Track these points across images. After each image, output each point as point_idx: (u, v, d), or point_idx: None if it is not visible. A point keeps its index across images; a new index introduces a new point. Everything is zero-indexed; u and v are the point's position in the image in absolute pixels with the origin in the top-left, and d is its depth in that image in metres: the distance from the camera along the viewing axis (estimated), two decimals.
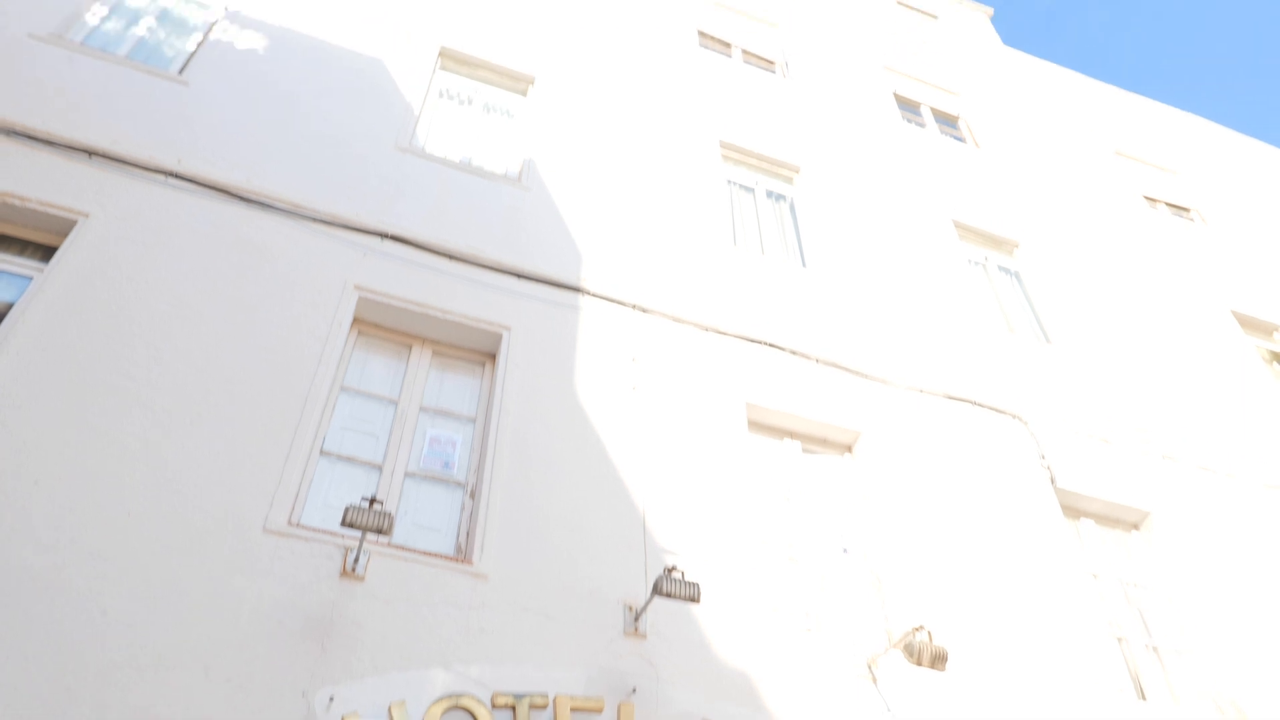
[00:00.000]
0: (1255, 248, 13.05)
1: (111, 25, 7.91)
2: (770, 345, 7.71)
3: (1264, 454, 9.37)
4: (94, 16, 7.85)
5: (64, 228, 6.15)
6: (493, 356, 6.81)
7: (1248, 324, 11.57)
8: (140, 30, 7.97)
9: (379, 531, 4.69)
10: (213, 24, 8.22)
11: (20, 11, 7.32)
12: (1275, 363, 11.33)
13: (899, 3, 15.29)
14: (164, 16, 8.22)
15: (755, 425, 7.27)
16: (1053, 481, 7.84)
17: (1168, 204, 13.49)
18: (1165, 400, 9.44)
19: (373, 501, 4.77)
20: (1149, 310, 10.70)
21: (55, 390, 5.24)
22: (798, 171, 10.07)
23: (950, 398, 8.11)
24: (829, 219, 9.49)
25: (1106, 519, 8.10)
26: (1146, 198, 13.32)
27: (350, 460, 5.91)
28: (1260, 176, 15.05)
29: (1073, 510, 7.96)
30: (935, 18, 15.31)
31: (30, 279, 5.90)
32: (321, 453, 5.82)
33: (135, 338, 5.67)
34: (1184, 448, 8.91)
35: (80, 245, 5.98)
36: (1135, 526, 8.16)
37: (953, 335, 8.84)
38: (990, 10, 16.23)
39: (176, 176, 6.64)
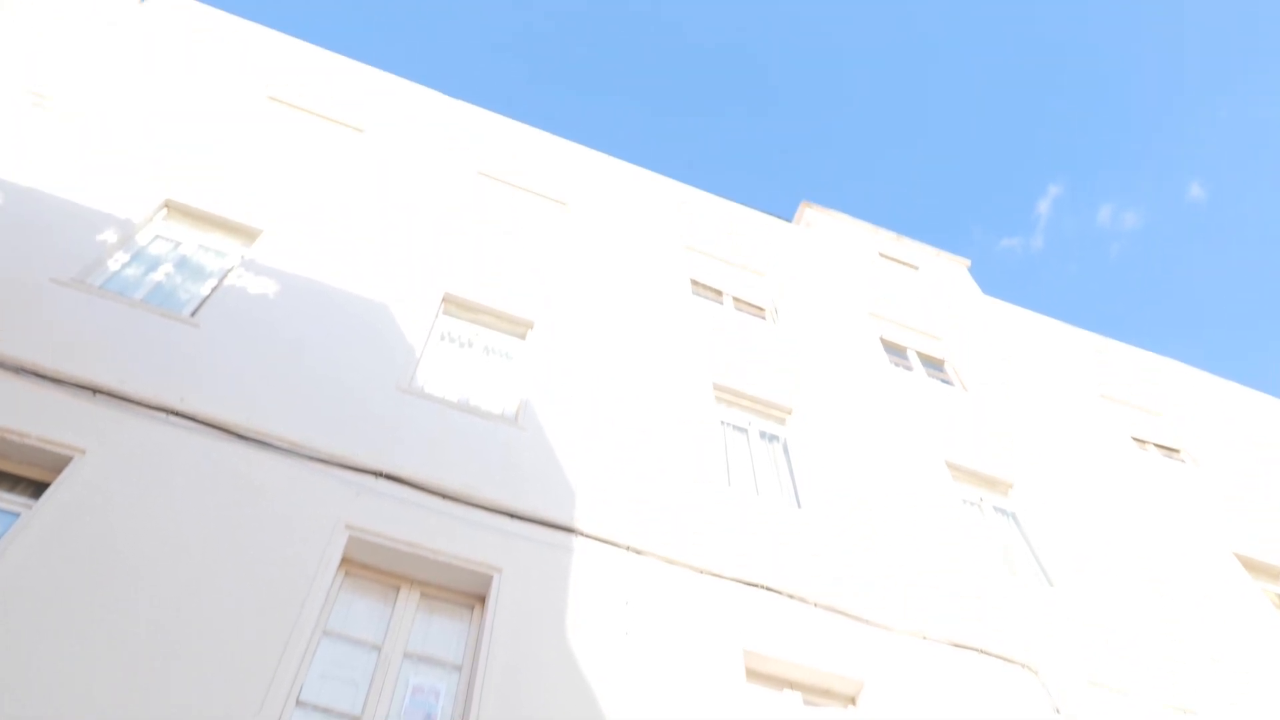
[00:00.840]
0: (1251, 490, 13.06)
1: (131, 271, 8.28)
2: (767, 589, 7.53)
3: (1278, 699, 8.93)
4: (115, 263, 8.24)
5: (59, 464, 6.15)
6: (482, 599, 6.63)
7: (1253, 567, 11.38)
8: (158, 276, 8.34)
9: None
10: (228, 270, 8.63)
11: (46, 257, 7.69)
12: None
13: (881, 254, 16.18)
14: (182, 263, 8.63)
15: (753, 674, 6.96)
16: None
17: (1157, 445, 13.65)
18: (1176, 647, 9.11)
19: None
20: (1151, 552, 10.55)
21: (32, 625, 5.04)
22: (790, 413, 10.24)
23: (955, 645, 7.83)
24: (823, 460, 9.55)
25: None
26: (1135, 439, 13.49)
27: (327, 711, 5.60)
28: (1242, 419, 15.33)
29: None
30: (916, 268, 16.15)
31: (17, 515, 5.83)
32: (298, 703, 5.53)
33: (118, 572, 5.52)
34: (1199, 695, 8.50)
35: (72, 481, 5.96)
36: None
37: (953, 578, 8.66)
38: (967, 261, 17.13)
39: (177, 414, 6.73)
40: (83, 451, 6.19)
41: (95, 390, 6.62)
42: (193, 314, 7.90)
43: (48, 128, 9.27)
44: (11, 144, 8.83)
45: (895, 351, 13.11)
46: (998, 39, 58.28)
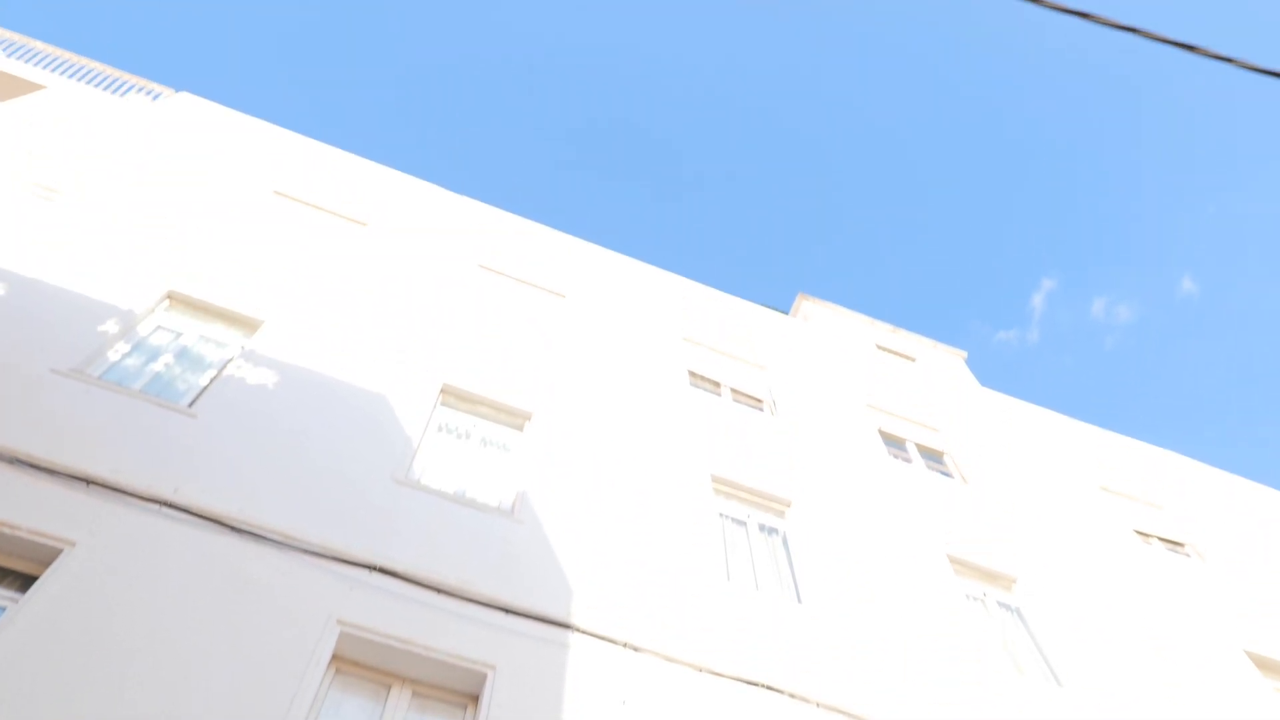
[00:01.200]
0: (1259, 585, 12.86)
1: (131, 361, 8.31)
2: (768, 688, 7.34)
3: None
4: (116, 353, 8.27)
5: (48, 556, 6.07)
6: (475, 698, 6.45)
7: (1265, 665, 11.12)
8: (158, 366, 8.36)
9: None
10: (228, 361, 8.65)
11: (47, 347, 7.72)
12: None
13: (878, 346, 16.27)
14: (183, 354, 8.66)
15: None
16: None
17: (1161, 539, 13.49)
18: None
19: None
20: (1161, 649, 10.33)
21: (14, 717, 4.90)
22: (789, 506, 10.15)
23: None
24: (823, 553, 9.43)
25: None
26: (1138, 532, 13.34)
27: None
28: (1246, 512, 15.19)
29: None
30: (913, 360, 16.22)
31: (3, 610, 5.72)
32: None
33: (104, 667, 5.39)
34: None
35: (61, 574, 5.87)
36: None
37: (958, 675, 8.45)
38: (964, 353, 17.23)
39: (171, 506, 6.66)
40: (73, 544, 6.11)
41: (89, 481, 6.57)
42: (190, 404, 7.90)
43: (55, 220, 9.41)
44: (18, 236, 8.95)
45: (894, 443, 13.07)
46: (993, 135, 59.78)
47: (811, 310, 16.69)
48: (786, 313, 16.50)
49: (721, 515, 9.67)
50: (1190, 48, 3.40)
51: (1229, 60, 3.43)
